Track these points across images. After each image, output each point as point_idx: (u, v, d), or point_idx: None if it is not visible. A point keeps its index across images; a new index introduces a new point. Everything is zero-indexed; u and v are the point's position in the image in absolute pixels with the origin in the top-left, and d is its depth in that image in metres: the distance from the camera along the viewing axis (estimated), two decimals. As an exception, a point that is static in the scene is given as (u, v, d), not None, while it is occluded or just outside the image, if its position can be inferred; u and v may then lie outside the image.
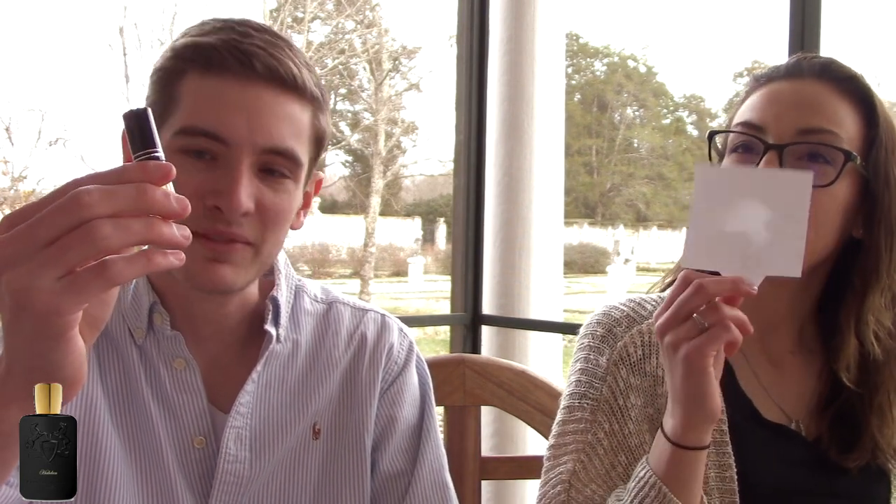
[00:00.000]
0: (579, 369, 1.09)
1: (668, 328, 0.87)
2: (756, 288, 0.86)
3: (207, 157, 0.89)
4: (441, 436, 1.13)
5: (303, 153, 0.94)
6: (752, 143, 1.02)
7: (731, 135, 1.06)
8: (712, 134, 1.10)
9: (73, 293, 0.59)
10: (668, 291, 1.14)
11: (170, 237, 0.61)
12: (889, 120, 1.04)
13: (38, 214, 0.59)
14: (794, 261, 0.88)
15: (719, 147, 1.11)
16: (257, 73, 0.89)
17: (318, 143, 0.98)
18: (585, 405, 1.06)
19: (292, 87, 0.91)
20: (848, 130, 1.01)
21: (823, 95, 1.02)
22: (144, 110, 0.64)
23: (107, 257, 0.59)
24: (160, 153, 0.64)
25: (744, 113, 1.05)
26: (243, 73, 0.89)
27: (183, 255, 0.62)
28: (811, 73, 1.04)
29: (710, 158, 1.10)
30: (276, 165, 0.92)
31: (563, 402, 1.10)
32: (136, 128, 0.64)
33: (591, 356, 1.09)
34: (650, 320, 1.08)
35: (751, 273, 0.88)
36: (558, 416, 1.09)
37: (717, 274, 0.87)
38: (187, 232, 0.62)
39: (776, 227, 0.88)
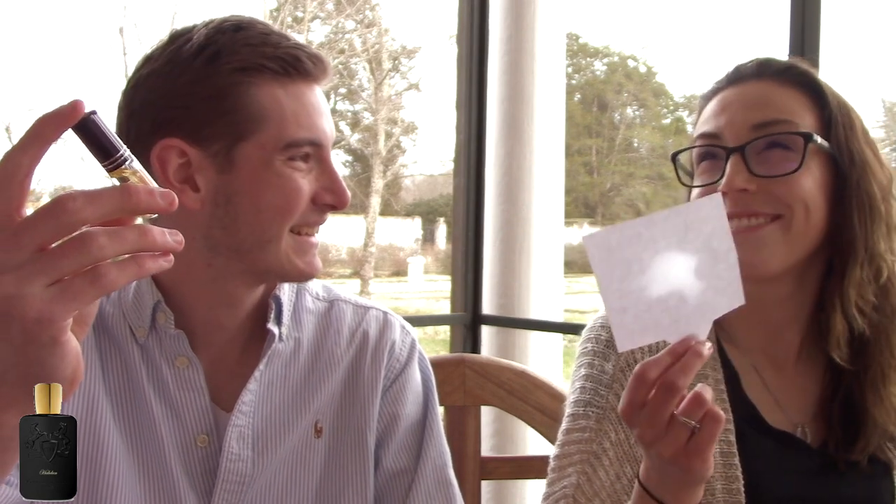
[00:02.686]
0: (584, 375, 1.08)
1: (655, 441, 0.81)
2: (709, 345, 0.81)
3: (304, 158, 0.95)
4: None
5: None
6: (713, 152, 1.04)
7: (695, 150, 1.08)
8: (675, 155, 1.11)
9: (65, 300, 0.58)
10: None
11: (162, 243, 0.61)
12: (839, 98, 1.05)
13: (22, 221, 0.58)
14: (735, 292, 0.81)
15: (686, 167, 1.12)
16: (324, 72, 0.96)
17: None
18: (591, 413, 1.05)
19: (329, 77, 0.98)
20: (802, 118, 1.02)
21: (767, 91, 1.04)
22: (93, 114, 0.60)
23: (99, 264, 0.59)
24: (126, 151, 0.62)
25: (699, 127, 1.08)
26: (314, 75, 0.95)
27: (172, 258, 0.62)
28: (750, 74, 1.06)
29: (678, 179, 1.11)
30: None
31: (567, 409, 1.08)
32: (92, 136, 0.60)
33: (596, 362, 1.07)
34: None
35: (696, 328, 0.80)
36: (563, 424, 1.08)
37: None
38: (180, 237, 0.62)
39: (706, 271, 0.80)
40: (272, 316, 1.01)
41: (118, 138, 0.62)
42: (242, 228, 0.93)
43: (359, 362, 1.07)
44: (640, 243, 0.79)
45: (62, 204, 0.58)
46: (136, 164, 0.62)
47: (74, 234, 0.58)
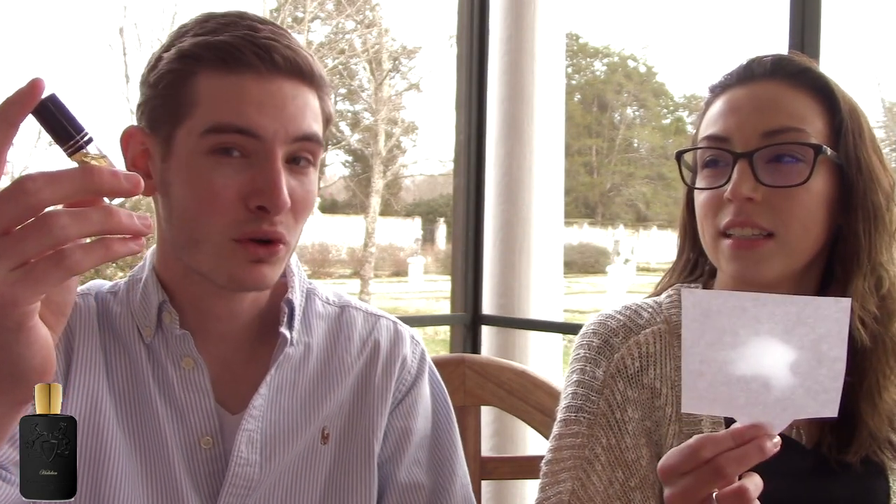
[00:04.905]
0: (576, 381, 1.08)
1: None
2: (777, 440, 0.77)
3: (237, 153, 0.89)
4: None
5: (322, 135, 0.96)
6: (720, 156, 1.02)
7: (699, 151, 1.05)
8: (680, 154, 1.08)
9: (29, 284, 0.57)
10: (663, 296, 1.13)
11: (129, 225, 0.60)
12: (851, 104, 1.03)
13: None
14: (830, 402, 0.75)
15: (690, 164, 1.09)
16: (277, 67, 0.90)
17: (327, 125, 1.00)
18: (582, 419, 1.05)
19: (308, 76, 0.93)
20: (812, 124, 1.00)
21: (780, 94, 1.01)
22: (52, 97, 0.60)
23: (64, 247, 0.58)
24: (88, 134, 0.61)
25: (707, 127, 1.05)
26: (263, 68, 0.89)
27: (143, 241, 0.61)
28: (763, 73, 1.03)
29: (682, 177, 1.09)
30: (302, 153, 0.93)
31: (559, 415, 1.08)
32: (51, 118, 0.60)
33: (588, 368, 1.07)
34: (647, 330, 1.07)
35: (771, 419, 0.76)
36: (555, 429, 1.08)
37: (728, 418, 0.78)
38: (148, 220, 0.61)
39: (804, 370, 0.75)
40: (285, 320, 1.00)
41: (78, 122, 0.61)
42: (175, 224, 0.92)
43: (369, 372, 1.06)
44: (741, 317, 0.76)
45: (21, 185, 0.57)
46: (99, 148, 0.61)
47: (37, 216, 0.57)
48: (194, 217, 0.89)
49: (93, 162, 0.61)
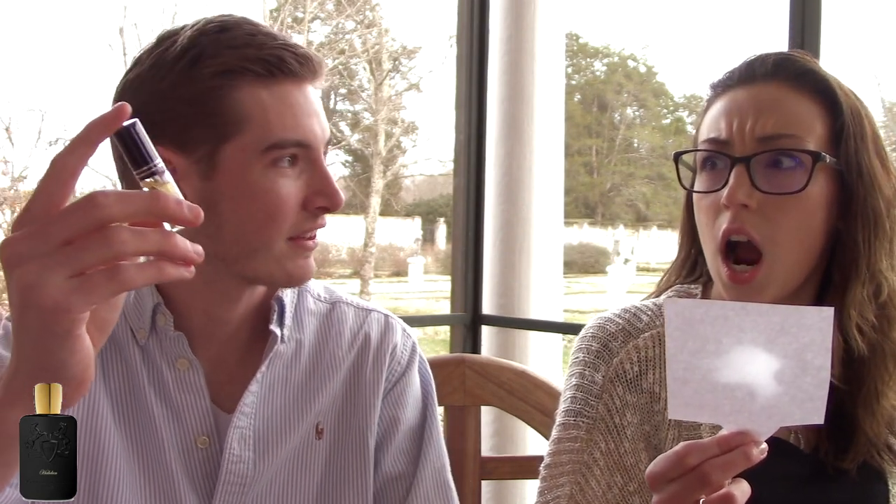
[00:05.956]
0: (574, 385, 1.07)
1: None
2: (764, 447, 0.77)
3: (292, 162, 0.93)
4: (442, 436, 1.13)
5: None
6: (719, 159, 1.00)
7: (699, 153, 1.03)
8: (678, 155, 1.06)
9: (83, 293, 0.60)
10: (662, 297, 1.13)
11: (184, 251, 0.63)
12: (855, 106, 1.01)
13: (55, 214, 0.60)
14: (816, 409, 0.76)
15: (690, 165, 1.08)
16: (312, 72, 0.94)
17: None
18: (581, 423, 1.04)
19: (321, 75, 0.96)
20: (812, 128, 0.98)
21: (779, 97, 0.99)
22: (135, 124, 0.64)
23: (120, 262, 0.60)
24: (160, 163, 0.65)
25: (706, 129, 1.03)
26: (301, 75, 0.92)
27: (193, 269, 0.64)
28: (764, 74, 1.01)
29: (679, 179, 1.07)
30: (326, 151, 0.97)
31: (558, 419, 1.08)
32: (131, 143, 0.64)
33: (587, 372, 1.07)
34: (646, 333, 1.06)
35: (757, 426, 0.76)
36: (554, 433, 1.08)
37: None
38: (200, 250, 0.64)
39: (788, 378, 0.76)
40: (274, 317, 1.01)
41: (153, 149, 0.64)
42: (227, 237, 0.92)
43: (360, 365, 1.06)
44: (724, 326, 0.76)
45: (93, 199, 0.60)
46: (168, 177, 0.65)
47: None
48: (256, 228, 0.91)
49: (160, 189, 0.65)
